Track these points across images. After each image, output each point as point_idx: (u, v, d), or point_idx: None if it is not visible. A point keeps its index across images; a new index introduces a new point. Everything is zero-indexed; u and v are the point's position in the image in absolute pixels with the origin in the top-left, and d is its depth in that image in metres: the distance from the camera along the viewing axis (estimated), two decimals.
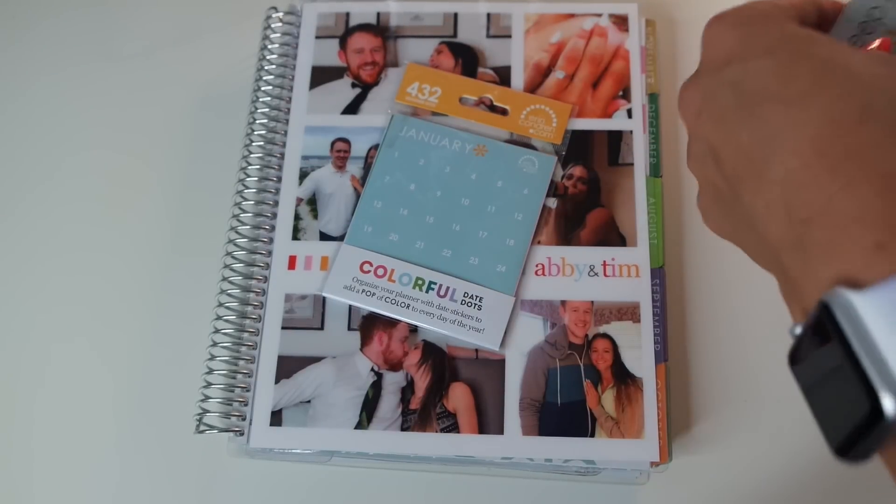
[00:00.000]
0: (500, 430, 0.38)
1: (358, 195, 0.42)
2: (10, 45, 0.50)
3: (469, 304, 0.39)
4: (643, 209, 0.41)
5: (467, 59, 0.45)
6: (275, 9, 0.46)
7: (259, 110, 0.44)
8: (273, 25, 0.46)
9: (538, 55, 0.45)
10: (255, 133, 0.43)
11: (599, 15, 0.45)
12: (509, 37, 0.45)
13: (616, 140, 0.42)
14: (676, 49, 0.48)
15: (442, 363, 0.39)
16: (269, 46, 0.45)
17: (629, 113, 0.43)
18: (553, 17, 0.46)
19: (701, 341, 0.42)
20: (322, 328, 0.40)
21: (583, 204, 0.41)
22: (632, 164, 0.42)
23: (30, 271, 0.45)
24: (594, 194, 0.41)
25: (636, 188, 0.41)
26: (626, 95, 0.43)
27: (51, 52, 0.50)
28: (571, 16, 0.46)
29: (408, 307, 0.39)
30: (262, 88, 0.44)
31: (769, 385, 0.41)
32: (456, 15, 0.46)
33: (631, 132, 0.42)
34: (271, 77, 0.44)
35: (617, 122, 0.43)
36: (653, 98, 0.44)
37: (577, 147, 0.42)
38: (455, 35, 0.46)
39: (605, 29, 0.45)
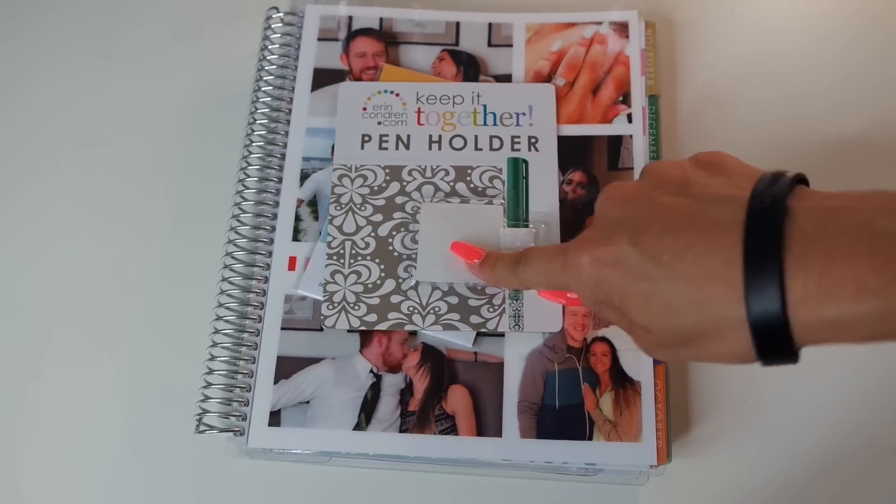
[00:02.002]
0: (499, 433, 0.38)
1: None
2: (12, 44, 0.50)
3: None
4: None
5: (469, 67, 0.45)
6: (275, 9, 0.46)
7: (259, 111, 0.44)
8: (273, 26, 0.46)
9: (539, 63, 0.45)
10: (256, 133, 0.43)
11: (600, 23, 0.46)
12: (510, 45, 0.46)
13: (616, 145, 0.43)
14: (676, 51, 0.48)
15: (441, 365, 0.39)
16: (270, 47, 0.46)
17: (629, 118, 0.43)
18: (554, 26, 0.46)
19: None
20: (322, 329, 0.40)
21: (582, 209, 0.42)
22: (631, 169, 0.42)
23: (30, 271, 0.45)
24: (593, 199, 0.41)
25: None
26: (627, 100, 0.44)
27: (52, 52, 0.50)
28: (572, 25, 0.46)
29: None
30: (263, 89, 0.44)
31: (768, 386, 0.41)
32: (458, 23, 0.46)
33: (631, 136, 0.43)
34: (271, 78, 0.45)
35: (617, 127, 0.43)
36: (652, 100, 0.44)
37: (577, 152, 0.43)
38: (457, 43, 0.46)
39: (605, 36, 0.45)
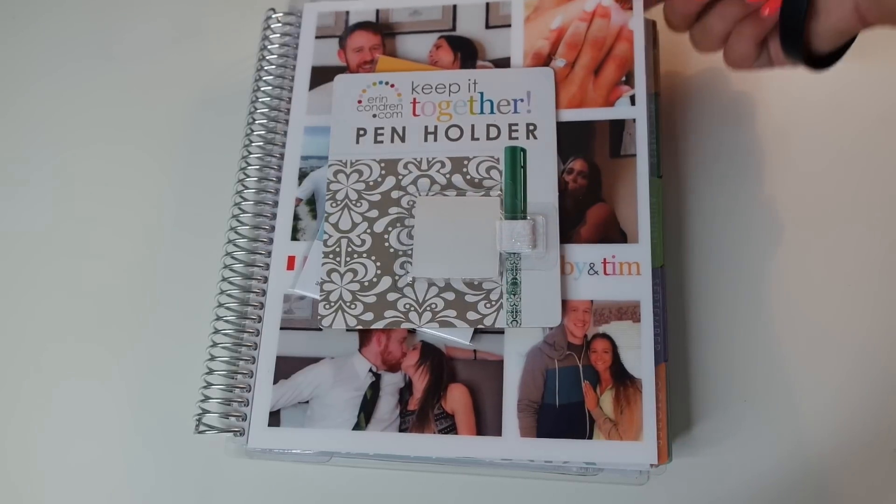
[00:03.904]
0: (499, 432, 0.37)
1: None
2: (12, 44, 0.51)
3: None
4: (645, 203, 0.39)
5: (466, 53, 0.44)
6: (273, 10, 0.46)
7: (258, 110, 0.44)
8: (272, 26, 0.46)
9: (538, 43, 0.43)
10: (255, 133, 0.43)
11: None
12: (509, 26, 0.44)
13: (618, 130, 0.41)
14: (676, 49, 0.46)
15: (440, 364, 0.38)
16: (269, 47, 0.45)
17: (632, 100, 0.41)
18: (554, 0, 0.44)
19: (701, 341, 0.40)
20: (321, 329, 0.40)
21: (583, 199, 0.40)
22: (634, 156, 0.40)
23: (30, 273, 0.46)
24: (595, 189, 0.40)
25: (638, 180, 0.40)
26: (630, 81, 0.42)
27: (52, 52, 0.51)
28: None
29: None
30: (262, 89, 0.44)
31: (769, 385, 0.39)
32: (455, 7, 0.45)
33: (634, 121, 0.41)
34: (271, 77, 0.44)
35: (619, 111, 0.41)
36: (653, 98, 0.42)
37: (578, 139, 0.41)
38: (454, 28, 0.45)
39: (607, 9, 0.43)
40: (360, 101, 0.43)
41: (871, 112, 0.44)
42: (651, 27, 0.43)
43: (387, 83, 0.43)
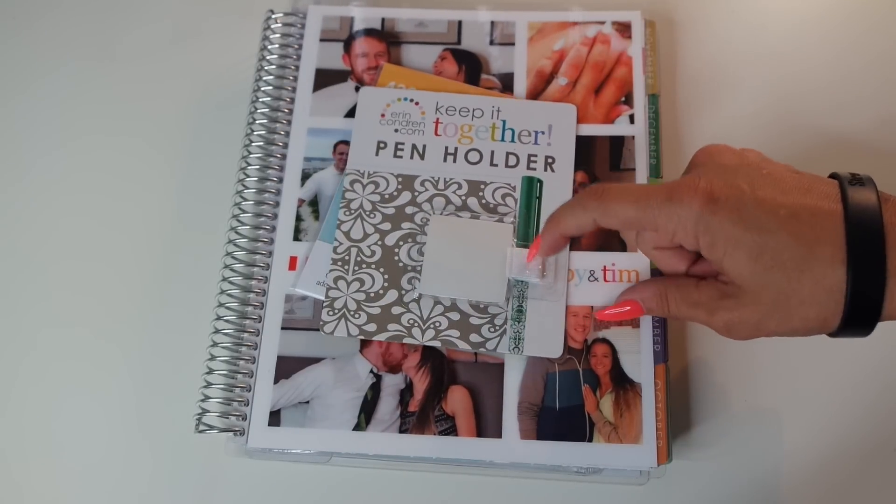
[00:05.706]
0: (499, 434, 0.38)
1: None
2: (12, 44, 0.50)
3: None
4: None
5: (471, 66, 0.45)
6: (272, 11, 0.46)
7: (259, 111, 0.44)
8: (273, 27, 0.46)
9: (541, 62, 0.45)
10: (255, 134, 0.43)
11: (602, 23, 0.46)
12: (512, 44, 0.46)
13: (618, 145, 0.43)
14: (676, 49, 0.48)
15: (441, 366, 0.39)
16: (269, 48, 0.46)
17: (631, 119, 0.43)
18: (556, 25, 0.46)
19: (701, 341, 0.42)
20: (322, 329, 0.40)
21: None
22: (633, 170, 0.42)
23: (31, 272, 0.45)
24: None
25: None
26: (629, 101, 0.44)
27: (52, 52, 0.50)
28: (574, 24, 0.46)
29: None
30: (263, 89, 0.44)
31: (769, 386, 0.41)
32: (460, 22, 0.46)
33: (633, 137, 0.43)
34: (271, 78, 0.45)
35: (619, 128, 0.43)
36: (653, 99, 0.44)
37: (579, 152, 0.43)
38: (459, 42, 0.46)
39: (608, 36, 0.45)
40: (382, 115, 0.43)
41: (872, 112, 0.46)
42: (651, 28, 0.46)
43: (411, 100, 0.44)
